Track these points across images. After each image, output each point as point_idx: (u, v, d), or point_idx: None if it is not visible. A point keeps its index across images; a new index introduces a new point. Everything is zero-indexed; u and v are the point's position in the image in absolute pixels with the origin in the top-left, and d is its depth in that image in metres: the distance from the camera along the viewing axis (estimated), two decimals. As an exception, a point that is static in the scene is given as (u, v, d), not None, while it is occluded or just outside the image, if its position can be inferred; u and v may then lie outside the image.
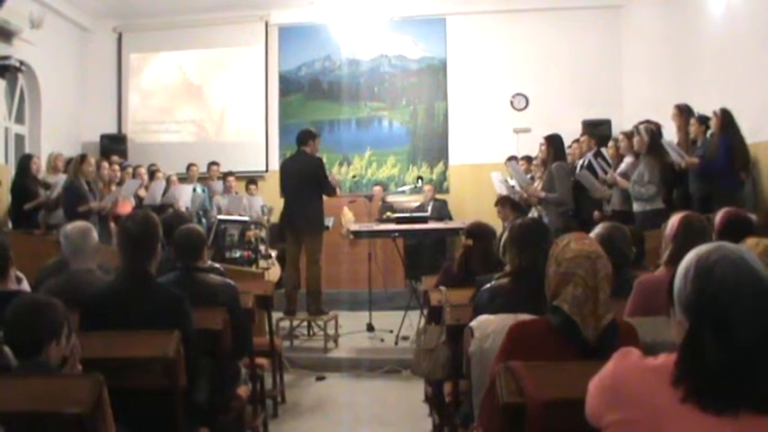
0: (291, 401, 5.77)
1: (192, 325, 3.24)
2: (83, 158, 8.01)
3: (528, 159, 9.43)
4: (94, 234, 3.90)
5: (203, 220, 9.53)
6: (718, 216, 3.58)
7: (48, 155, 9.43)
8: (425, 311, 5.18)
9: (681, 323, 1.54)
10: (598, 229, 3.70)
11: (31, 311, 2.45)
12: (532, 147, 8.92)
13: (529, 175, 8.47)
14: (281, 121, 11.63)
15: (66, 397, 2.18)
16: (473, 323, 2.87)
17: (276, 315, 6.49)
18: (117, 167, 9.29)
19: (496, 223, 6.74)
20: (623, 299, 3.17)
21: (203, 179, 10.58)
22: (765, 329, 1.44)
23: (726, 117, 6.56)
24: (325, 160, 7.68)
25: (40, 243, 6.72)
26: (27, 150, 9.67)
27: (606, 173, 7.43)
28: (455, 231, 7.64)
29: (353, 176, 11.39)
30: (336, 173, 7.77)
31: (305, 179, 7.14)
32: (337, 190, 7.69)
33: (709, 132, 6.81)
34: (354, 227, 7.58)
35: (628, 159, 7.32)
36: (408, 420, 5.22)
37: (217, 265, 4.69)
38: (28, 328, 2.41)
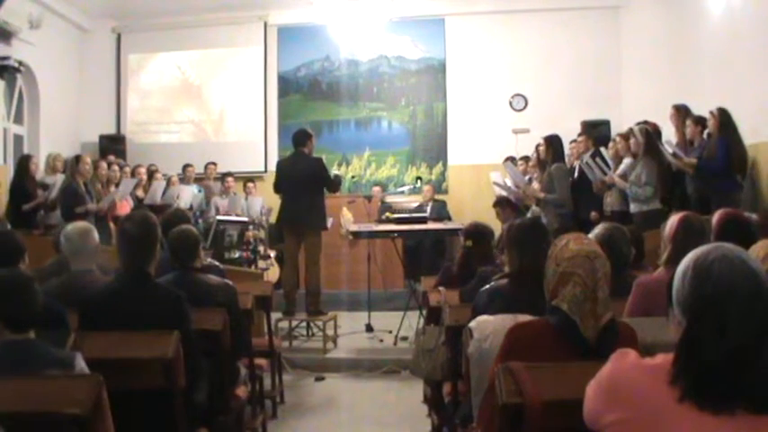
0: (290, 402, 5.77)
1: (191, 325, 3.24)
2: (78, 159, 8.01)
3: (527, 160, 9.44)
4: (95, 235, 3.89)
5: (200, 221, 9.52)
6: (716, 217, 3.58)
7: (46, 155, 9.44)
8: (424, 312, 5.19)
9: (679, 323, 1.54)
10: (598, 230, 3.70)
11: (23, 286, 2.51)
12: (531, 147, 8.93)
13: (527, 177, 8.48)
14: (280, 121, 11.64)
15: (65, 397, 2.18)
16: (472, 324, 2.87)
17: (275, 315, 6.50)
18: (116, 168, 9.29)
19: (495, 224, 6.75)
20: (623, 299, 3.17)
21: (200, 179, 10.59)
22: (760, 329, 1.44)
23: (723, 117, 6.54)
24: (324, 160, 7.68)
25: (38, 243, 6.71)
26: (26, 151, 9.67)
27: (605, 173, 7.43)
28: (454, 232, 7.64)
29: (352, 177, 11.40)
30: (336, 170, 7.81)
31: (307, 179, 7.15)
32: (342, 181, 7.76)
33: (705, 132, 6.81)
34: (353, 227, 7.58)
35: (627, 160, 7.32)
36: (407, 421, 5.21)
37: (216, 263, 4.69)
38: (23, 302, 2.48)
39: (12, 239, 3.55)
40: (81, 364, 2.52)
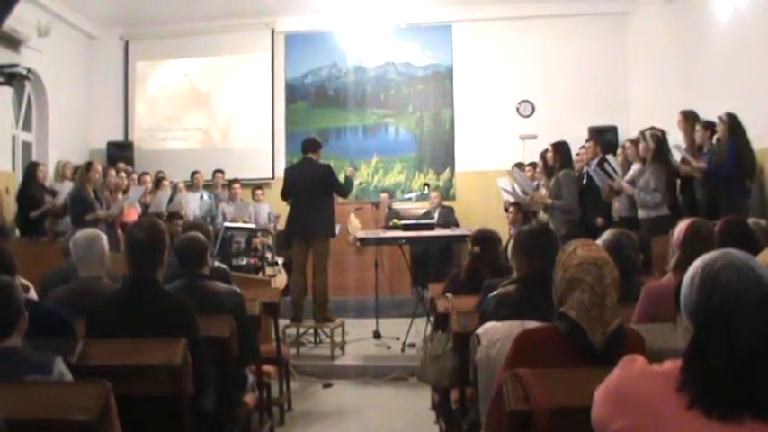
0: (298, 409, 5.77)
1: (198, 332, 3.24)
2: (89, 166, 8.03)
3: (534, 166, 9.43)
4: (103, 242, 3.90)
5: (210, 228, 9.54)
6: (718, 224, 3.59)
7: (55, 162, 9.47)
8: (432, 318, 5.18)
9: (687, 330, 1.54)
10: (606, 236, 3.69)
11: (2, 291, 2.47)
12: (539, 153, 8.91)
13: (535, 183, 8.47)
14: (288, 128, 11.64)
15: (73, 404, 2.19)
16: (480, 330, 2.86)
17: (283, 322, 6.49)
18: (124, 175, 9.31)
19: (503, 230, 6.74)
20: (631, 305, 3.16)
21: (208, 186, 10.61)
22: (768, 336, 1.44)
23: (732, 122, 6.53)
24: (332, 167, 7.68)
25: (46, 250, 6.73)
26: (34, 158, 9.71)
27: (613, 179, 7.41)
28: (462, 238, 7.63)
29: (360, 183, 11.39)
30: (349, 166, 7.67)
31: (315, 186, 7.16)
32: (354, 181, 7.67)
33: (714, 137, 6.79)
34: (361, 234, 7.59)
35: (635, 166, 7.31)
36: (415, 428, 5.21)
37: (223, 266, 4.69)
38: (1, 309, 2.44)
39: None
40: (60, 367, 2.49)
